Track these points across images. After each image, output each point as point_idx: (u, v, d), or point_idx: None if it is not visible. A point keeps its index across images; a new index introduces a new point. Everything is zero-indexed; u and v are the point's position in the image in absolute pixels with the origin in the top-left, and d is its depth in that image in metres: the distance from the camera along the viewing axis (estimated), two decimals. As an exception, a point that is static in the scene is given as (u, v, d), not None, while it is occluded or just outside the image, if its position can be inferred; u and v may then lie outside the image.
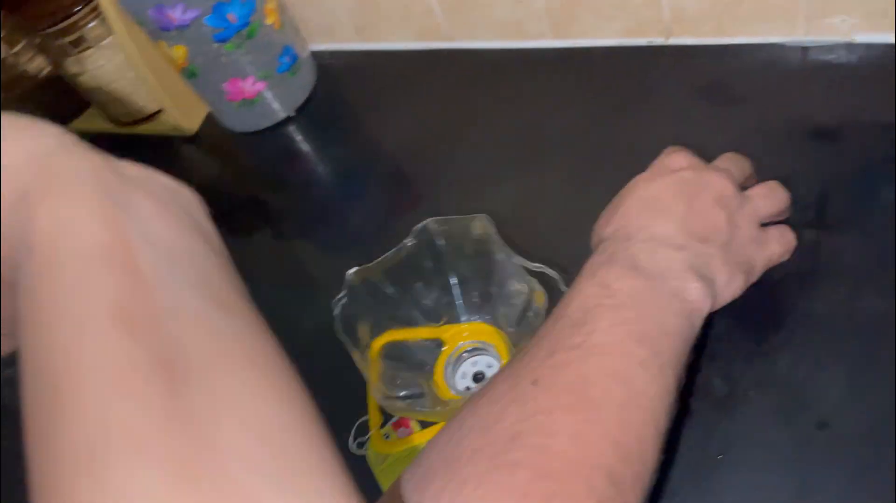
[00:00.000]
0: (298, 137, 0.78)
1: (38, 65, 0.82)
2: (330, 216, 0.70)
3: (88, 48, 0.74)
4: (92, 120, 0.86)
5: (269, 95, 0.74)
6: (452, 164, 0.67)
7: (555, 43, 0.70)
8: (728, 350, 0.48)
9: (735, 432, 0.45)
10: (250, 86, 0.72)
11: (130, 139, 0.84)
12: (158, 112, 0.81)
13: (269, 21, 0.71)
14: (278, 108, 0.76)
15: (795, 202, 0.51)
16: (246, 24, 0.68)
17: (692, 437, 0.45)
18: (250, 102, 0.74)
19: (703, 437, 0.45)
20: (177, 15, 0.65)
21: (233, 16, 0.67)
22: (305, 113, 0.78)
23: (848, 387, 0.45)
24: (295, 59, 0.75)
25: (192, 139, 0.81)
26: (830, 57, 0.60)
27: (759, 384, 0.46)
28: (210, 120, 0.81)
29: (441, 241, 0.52)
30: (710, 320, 0.48)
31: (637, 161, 0.48)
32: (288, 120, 0.77)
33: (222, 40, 0.68)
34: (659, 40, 0.66)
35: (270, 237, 0.71)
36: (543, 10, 0.67)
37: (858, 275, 0.49)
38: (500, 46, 0.73)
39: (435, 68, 0.76)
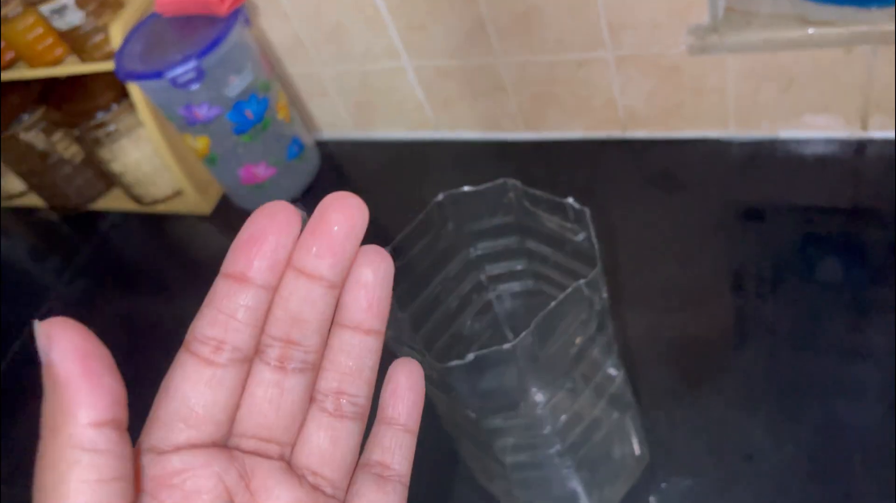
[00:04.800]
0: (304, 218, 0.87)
1: (72, 152, 0.92)
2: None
3: (120, 139, 0.85)
4: (117, 199, 0.96)
5: (278, 180, 0.84)
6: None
7: (527, 135, 0.81)
8: (668, 399, 0.57)
9: (675, 466, 0.53)
10: (262, 171, 0.83)
11: (152, 217, 0.94)
12: (178, 193, 0.91)
13: (280, 116, 0.82)
14: (286, 191, 0.86)
15: (729, 277, 0.62)
16: (261, 119, 0.79)
17: (641, 475, 0.54)
18: (261, 186, 0.84)
19: (650, 468, 0.54)
20: (202, 112, 0.75)
21: (250, 112, 0.78)
22: (310, 195, 0.88)
23: (768, 427, 0.53)
24: (302, 148, 0.85)
25: (208, 218, 0.91)
26: (759, 150, 0.71)
27: (695, 426, 0.55)
28: (224, 201, 0.91)
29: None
30: (650, 368, 0.57)
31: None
32: (294, 201, 0.87)
33: (241, 133, 0.78)
34: (616, 133, 0.77)
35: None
36: (517, 108, 0.78)
37: (778, 334, 0.58)
38: (480, 138, 0.84)
39: (421, 154, 0.87)
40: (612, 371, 0.46)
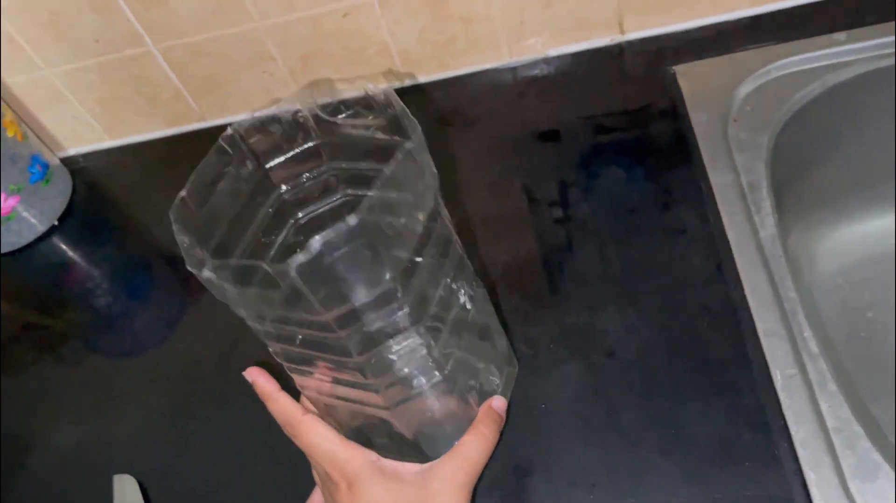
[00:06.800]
0: (65, 248, 0.75)
1: None
2: (116, 322, 0.68)
3: None
4: None
5: (24, 209, 0.71)
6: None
7: (305, 103, 0.76)
8: (520, 319, 0.56)
9: (547, 380, 0.52)
10: (2, 202, 0.69)
11: None
12: None
13: (10, 134, 0.68)
14: (37, 221, 0.73)
15: (541, 193, 0.62)
16: (-15, 140, 0.66)
17: (519, 398, 0.52)
18: (6, 220, 0.70)
19: (524, 396, 0.52)
20: None
21: (-31, 134, 0.64)
22: (68, 221, 0.76)
23: (619, 320, 0.54)
24: (46, 166, 0.73)
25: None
26: (535, 72, 0.72)
27: (553, 338, 0.54)
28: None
29: None
30: (496, 296, 0.56)
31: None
32: (51, 231, 0.74)
33: (-38, 161, 0.65)
34: (396, 84, 0.74)
35: (52, 364, 0.67)
36: (288, 74, 0.73)
37: (601, 234, 0.59)
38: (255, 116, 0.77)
39: (192, 150, 0.78)
40: (469, 288, 0.43)
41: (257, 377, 0.45)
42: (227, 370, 0.60)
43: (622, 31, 0.70)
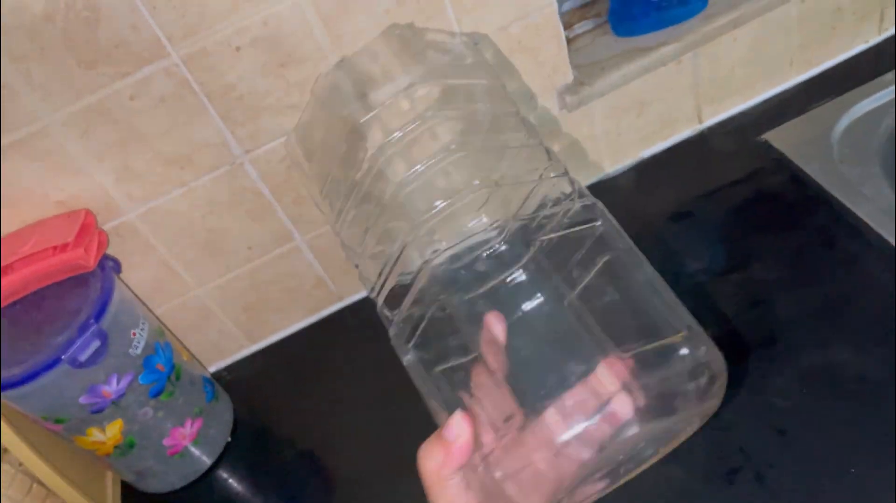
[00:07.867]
0: (234, 470, 0.72)
1: None
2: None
3: (-21, 489, 0.63)
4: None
5: (206, 432, 0.70)
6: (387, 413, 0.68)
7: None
8: (760, 374, 0.59)
9: (824, 427, 0.55)
10: (189, 429, 0.68)
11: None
12: (71, 522, 0.69)
13: (185, 357, 0.69)
14: (215, 443, 0.71)
15: (701, 264, 0.67)
16: (172, 368, 0.65)
17: (814, 451, 0.54)
18: (188, 448, 0.69)
19: (814, 449, 0.54)
20: (113, 388, 0.60)
21: (161, 365, 0.64)
22: (238, 437, 0.73)
23: (852, 350, 0.59)
24: (212, 384, 0.72)
25: (119, 532, 0.71)
26: (636, 173, 0.80)
27: (801, 381, 0.58)
28: (129, 495, 0.72)
29: None
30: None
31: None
32: (225, 450, 0.72)
33: (158, 394, 0.64)
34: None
35: None
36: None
37: (784, 281, 0.65)
38: (390, 283, 0.80)
39: (333, 332, 0.80)
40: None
41: (460, 419, 0.35)
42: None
43: (700, 121, 0.80)
